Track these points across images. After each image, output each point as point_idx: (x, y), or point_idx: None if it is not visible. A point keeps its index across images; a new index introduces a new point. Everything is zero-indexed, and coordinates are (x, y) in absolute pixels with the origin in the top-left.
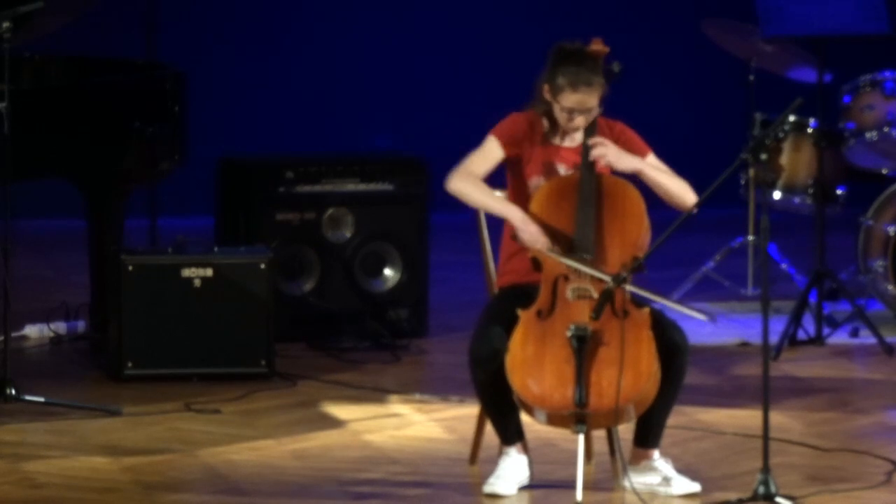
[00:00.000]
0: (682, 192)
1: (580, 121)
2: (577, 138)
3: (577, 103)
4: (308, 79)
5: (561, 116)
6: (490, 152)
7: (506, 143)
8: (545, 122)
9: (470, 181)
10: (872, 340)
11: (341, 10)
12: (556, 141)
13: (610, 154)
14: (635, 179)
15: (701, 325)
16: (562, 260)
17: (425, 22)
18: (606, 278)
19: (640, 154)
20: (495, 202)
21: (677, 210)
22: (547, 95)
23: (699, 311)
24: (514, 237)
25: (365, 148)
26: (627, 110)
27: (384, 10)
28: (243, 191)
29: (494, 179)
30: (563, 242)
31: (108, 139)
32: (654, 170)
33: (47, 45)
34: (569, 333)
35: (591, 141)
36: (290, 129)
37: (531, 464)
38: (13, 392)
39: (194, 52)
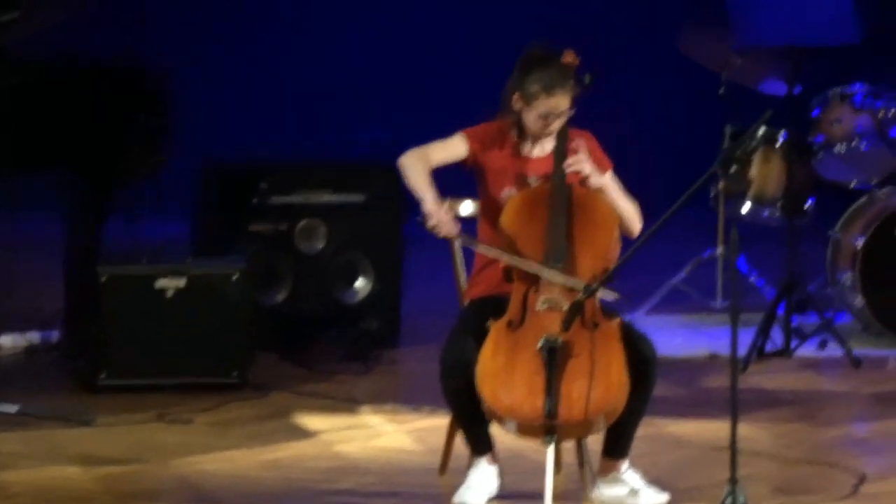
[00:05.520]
0: (632, 218)
1: (556, 124)
2: (546, 148)
3: (552, 108)
4: (291, 82)
5: (536, 123)
6: (453, 144)
7: (471, 142)
8: (514, 133)
9: (417, 162)
10: (840, 353)
11: (323, 17)
12: (526, 151)
13: (586, 168)
14: None
15: (670, 336)
16: (499, 255)
17: (405, 30)
18: (571, 282)
19: (602, 168)
20: (418, 183)
21: (622, 232)
22: (518, 104)
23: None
24: (421, 223)
25: (343, 153)
26: (600, 121)
27: (366, 17)
28: (219, 201)
29: (467, 190)
30: (535, 252)
31: (98, 132)
32: (615, 192)
33: (32, 43)
34: (539, 345)
35: (570, 154)
36: (273, 130)
37: (501, 474)
38: None
39: (178, 54)
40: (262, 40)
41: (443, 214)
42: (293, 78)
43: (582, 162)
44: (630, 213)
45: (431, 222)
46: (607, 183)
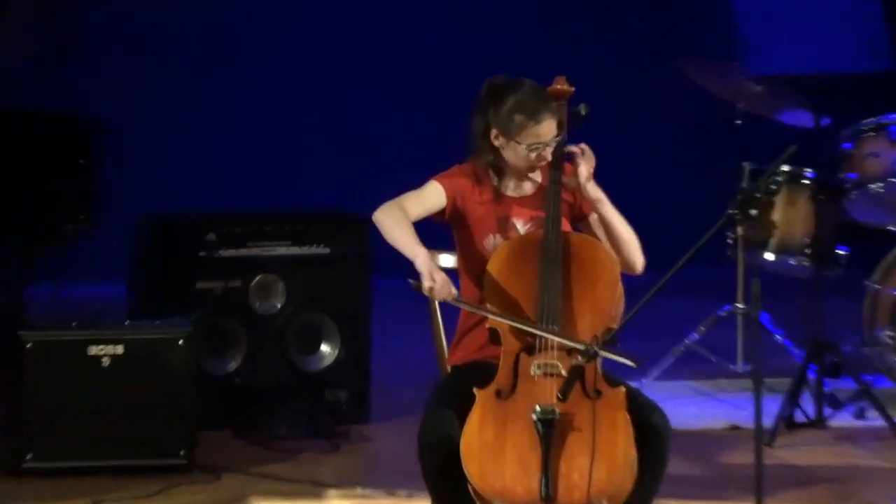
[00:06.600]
0: (634, 245)
1: (548, 151)
2: (526, 188)
3: (542, 135)
4: (240, 131)
5: (524, 158)
6: (429, 194)
7: (449, 190)
8: (493, 175)
9: (395, 215)
10: (880, 422)
11: (275, 63)
12: (509, 192)
13: (591, 163)
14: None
15: (684, 405)
16: (499, 320)
17: (365, 76)
18: (573, 344)
19: None
20: (406, 240)
21: (623, 267)
22: (497, 141)
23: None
24: (416, 287)
25: (302, 204)
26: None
27: (322, 63)
28: (160, 255)
29: (443, 243)
30: (527, 310)
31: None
32: (615, 210)
33: None
34: (533, 417)
35: (570, 148)
36: (221, 186)
37: None
38: None
39: (119, 102)
40: (208, 85)
41: (440, 275)
42: (248, 125)
43: (589, 156)
44: (631, 240)
45: (427, 283)
46: (605, 199)
